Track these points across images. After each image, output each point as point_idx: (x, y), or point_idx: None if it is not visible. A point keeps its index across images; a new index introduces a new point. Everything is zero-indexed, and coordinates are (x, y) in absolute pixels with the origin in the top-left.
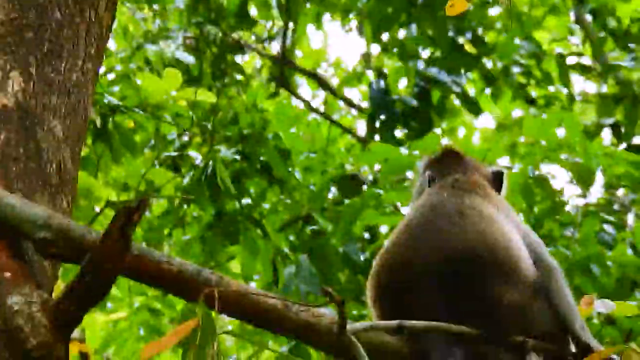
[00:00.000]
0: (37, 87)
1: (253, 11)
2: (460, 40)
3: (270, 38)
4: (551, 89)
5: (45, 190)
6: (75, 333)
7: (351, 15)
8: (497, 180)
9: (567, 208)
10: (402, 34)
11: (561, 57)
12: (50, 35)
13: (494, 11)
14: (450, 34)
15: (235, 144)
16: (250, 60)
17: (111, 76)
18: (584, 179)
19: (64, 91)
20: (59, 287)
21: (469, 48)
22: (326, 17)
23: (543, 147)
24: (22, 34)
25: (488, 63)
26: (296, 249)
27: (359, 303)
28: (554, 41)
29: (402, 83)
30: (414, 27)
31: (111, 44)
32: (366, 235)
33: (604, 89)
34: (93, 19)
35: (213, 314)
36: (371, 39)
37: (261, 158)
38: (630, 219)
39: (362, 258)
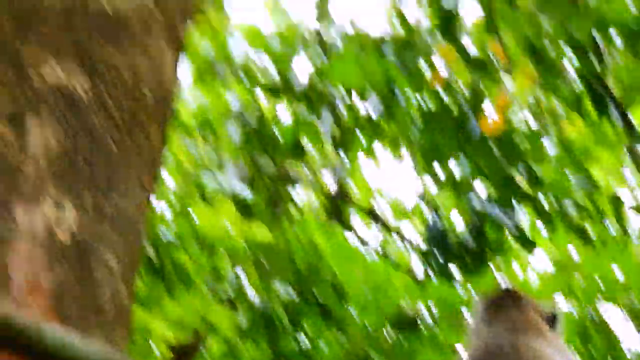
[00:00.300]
0: (91, 220)
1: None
2: (514, 174)
3: (324, 170)
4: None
5: (101, 326)
6: None
7: (403, 147)
8: (553, 320)
9: (625, 350)
10: (455, 168)
11: (616, 199)
12: (103, 165)
13: (548, 145)
14: (504, 168)
15: (290, 280)
16: (304, 194)
17: (165, 208)
18: None
19: (117, 223)
20: None
21: (522, 183)
22: (379, 147)
23: (599, 286)
24: (75, 164)
25: (542, 198)
26: None
27: None
28: (607, 175)
29: (456, 216)
30: (465, 160)
31: (165, 176)
32: None
33: None
34: (146, 149)
35: None
36: (423, 170)
37: (317, 295)
38: None
39: None
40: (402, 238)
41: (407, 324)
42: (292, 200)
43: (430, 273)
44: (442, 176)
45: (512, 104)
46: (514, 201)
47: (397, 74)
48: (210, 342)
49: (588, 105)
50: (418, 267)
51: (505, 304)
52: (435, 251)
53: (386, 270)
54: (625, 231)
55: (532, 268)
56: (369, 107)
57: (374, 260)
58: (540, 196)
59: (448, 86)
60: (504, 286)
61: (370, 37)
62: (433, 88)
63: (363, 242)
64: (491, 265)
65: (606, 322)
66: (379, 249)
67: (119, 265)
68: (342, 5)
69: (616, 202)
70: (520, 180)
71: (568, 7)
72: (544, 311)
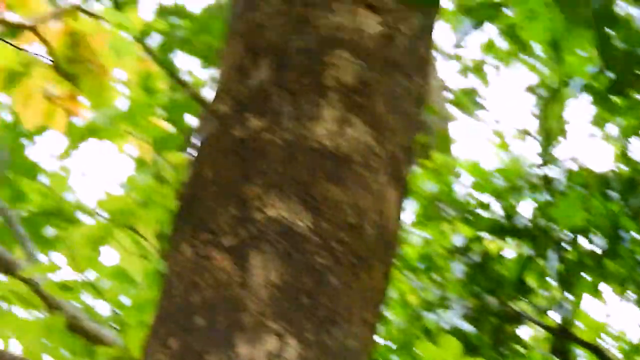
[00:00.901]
0: (313, 356)
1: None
2: None
3: (549, 309)
4: None
5: None
6: None
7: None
8: None
9: None
10: None
11: None
12: (326, 301)
13: None
14: None
15: None
16: (529, 331)
17: (389, 344)
18: None
19: (339, 359)
20: None
21: None
22: (605, 287)
23: None
24: (297, 299)
25: None
26: None
27: None
28: None
29: None
30: None
31: (388, 312)
32: None
33: None
34: (368, 286)
35: None
36: None
37: None
38: None
39: None
40: None
41: None
42: (517, 337)
43: None
44: None
45: None
46: None
47: (622, 213)
48: None
49: None
50: None
51: None
52: None
53: None
54: None
55: None
56: (594, 246)
57: None
58: None
59: None
60: None
61: (594, 175)
62: None
63: None
64: None
65: None
66: None
67: None
68: (566, 142)
69: None
70: None
71: None
72: None
